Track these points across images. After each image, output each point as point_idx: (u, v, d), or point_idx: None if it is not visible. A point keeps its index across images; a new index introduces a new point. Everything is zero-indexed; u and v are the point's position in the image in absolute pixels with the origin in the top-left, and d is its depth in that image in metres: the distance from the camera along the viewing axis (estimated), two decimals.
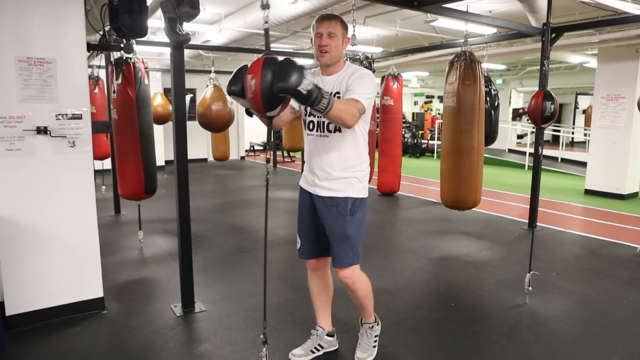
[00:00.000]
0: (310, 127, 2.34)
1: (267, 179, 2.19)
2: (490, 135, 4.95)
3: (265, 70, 1.80)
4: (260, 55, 1.95)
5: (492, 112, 4.98)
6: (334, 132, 2.27)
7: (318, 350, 2.64)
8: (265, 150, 14.23)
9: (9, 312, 2.88)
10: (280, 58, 1.88)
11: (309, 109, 2.28)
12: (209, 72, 7.04)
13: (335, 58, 2.25)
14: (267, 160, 2.15)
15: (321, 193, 2.35)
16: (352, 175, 2.31)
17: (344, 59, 2.37)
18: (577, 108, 17.77)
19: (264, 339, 2.10)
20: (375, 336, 2.62)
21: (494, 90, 5.13)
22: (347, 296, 3.41)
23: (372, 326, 2.61)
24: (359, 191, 2.33)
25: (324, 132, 2.29)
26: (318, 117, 2.27)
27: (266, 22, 1.97)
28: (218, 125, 6.82)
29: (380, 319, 2.66)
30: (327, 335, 2.66)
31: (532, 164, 6.14)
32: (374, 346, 2.61)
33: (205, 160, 12.25)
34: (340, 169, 2.29)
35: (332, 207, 2.32)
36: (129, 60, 3.94)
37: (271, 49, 2.87)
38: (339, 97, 2.20)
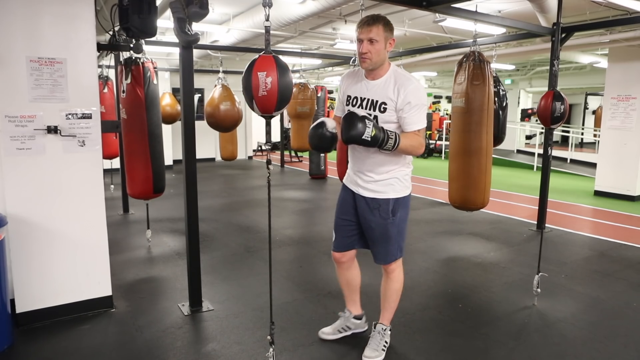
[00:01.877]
0: None
1: (269, 180, 2.21)
2: (498, 135, 4.93)
3: (281, 69, 1.90)
4: (262, 53, 1.96)
5: (500, 112, 4.95)
6: None
7: (345, 330, 2.79)
8: (262, 151, 14.24)
9: (19, 309, 2.91)
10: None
11: None
12: (218, 72, 7.06)
13: (377, 63, 2.26)
14: (268, 162, 2.16)
15: (364, 194, 2.44)
16: (393, 176, 2.39)
17: (389, 61, 2.37)
18: (587, 108, 17.61)
19: (270, 340, 2.10)
20: (386, 341, 2.61)
21: (502, 90, 5.10)
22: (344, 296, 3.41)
23: (386, 329, 2.62)
24: (399, 191, 2.41)
25: None
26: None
27: (267, 20, 1.99)
28: (226, 125, 6.84)
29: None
30: (355, 318, 2.78)
31: (541, 165, 6.09)
32: (384, 349, 2.59)
33: (213, 160, 12.29)
34: (381, 172, 2.38)
35: (374, 209, 2.40)
36: (138, 60, 3.96)
37: (274, 49, 2.88)
38: (385, 108, 2.26)
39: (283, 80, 1.88)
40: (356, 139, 2.07)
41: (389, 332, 2.65)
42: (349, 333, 2.80)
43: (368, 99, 2.33)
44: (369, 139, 2.05)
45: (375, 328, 2.64)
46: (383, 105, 2.27)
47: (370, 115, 2.27)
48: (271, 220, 2.21)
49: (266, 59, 1.89)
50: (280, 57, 1.96)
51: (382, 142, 2.09)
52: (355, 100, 2.38)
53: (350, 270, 2.72)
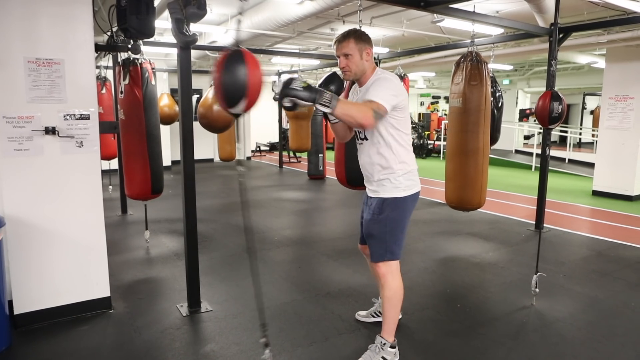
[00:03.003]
0: (355, 135, 2.57)
1: (241, 182, 2.25)
2: (493, 135, 4.95)
3: (226, 65, 1.77)
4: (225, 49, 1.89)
5: (496, 112, 4.98)
6: (364, 139, 2.47)
7: (378, 315, 2.96)
8: (261, 152, 14.23)
9: (17, 310, 2.90)
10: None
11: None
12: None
13: (358, 73, 2.41)
14: (239, 163, 2.12)
15: (368, 194, 2.59)
16: (385, 177, 2.44)
17: (375, 66, 2.49)
18: (585, 109, 17.64)
19: (266, 341, 2.06)
20: (383, 357, 2.48)
21: (499, 91, 5.12)
22: (353, 296, 3.42)
23: (385, 343, 2.49)
24: (389, 191, 2.44)
25: (358, 139, 2.53)
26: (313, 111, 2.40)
27: (240, 14, 1.95)
28: (219, 125, 6.79)
29: None
30: None
31: (539, 165, 6.10)
32: None
33: (211, 160, 12.29)
34: (375, 171, 2.47)
35: (369, 206, 2.55)
36: (136, 60, 3.96)
37: (273, 49, 2.88)
38: (321, 89, 2.20)
39: (224, 76, 1.78)
40: (288, 93, 2.01)
41: (391, 350, 2.50)
42: (381, 319, 2.68)
43: None
44: (299, 89, 2.01)
45: (376, 340, 2.54)
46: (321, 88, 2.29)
47: None
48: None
49: (221, 56, 1.81)
50: (253, 53, 1.84)
51: (314, 98, 2.02)
52: None
53: None
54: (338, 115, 2.11)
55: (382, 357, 2.48)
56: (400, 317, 2.90)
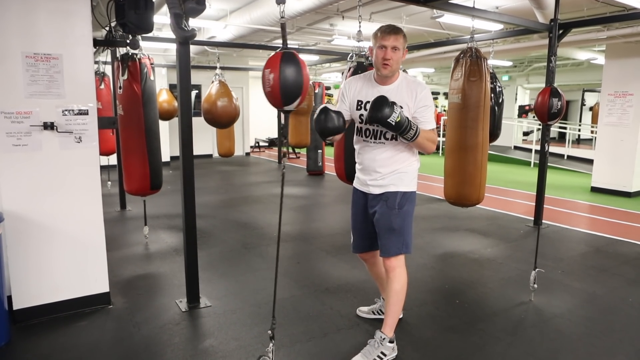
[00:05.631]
0: (367, 134, 2.50)
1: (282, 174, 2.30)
2: (494, 132, 4.93)
3: (283, 65, 1.97)
4: (278, 50, 2.05)
5: (496, 108, 4.96)
6: (391, 139, 2.43)
7: (379, 313, 2.96)
8: (260, 147, 14.22)
9: (16, 306, 2.90)
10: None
11: (363, 117, 2.45)
12: (215, 68, 7.04)
13: (395, 70, 2.40)
14: (283, 155, 2.23)
15: (374, 191, 2.51)
16: (402, 170, 2.47)
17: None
18: (584, 105, 17.63)
19: (271, 334, 2.10)
20: (383, 353, 2.49)
21: (499, 87, 5.10)
22: (352, 292, 3.43)
23: (385, 339, 2.51)
24: (407, 184, 2.49)
25: (380, 139, 2.46)
26: (375, 126, 2.42)
27: (282, 18, 2.10)
28: (223, 121, 6.82)
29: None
30: None
31: (538, 161, 6.11)
32: None
33: (210, 156, 12.28)
34: (392, 168, 2.46)
35: (382, 201, 2.48)
36: (135, 56, 3.95)
37: (271, 45, 2.91)
38: (408, 118, 2.30)
39: (283, 75, 1.96)
40: (382, 120, 2.18)
41: (389, 345, 2.51)
42: (382, 317, 2.71)
43: None
44: (394, 123, 2.17)
45: (376, 335, 2.54)
46: (407, 116, 2.35)
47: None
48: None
49: (275, 56, 2.00)
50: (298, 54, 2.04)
51: (405, 129, 2.21)
52: (368, 104, 2.39)
53: (377, 266, 2.79)
54: (415, 143, 2.33)
55: (381, 352, 2.49)
56: (401, 316, 2.96)
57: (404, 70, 2.61)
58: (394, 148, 2.44)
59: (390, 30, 2.34)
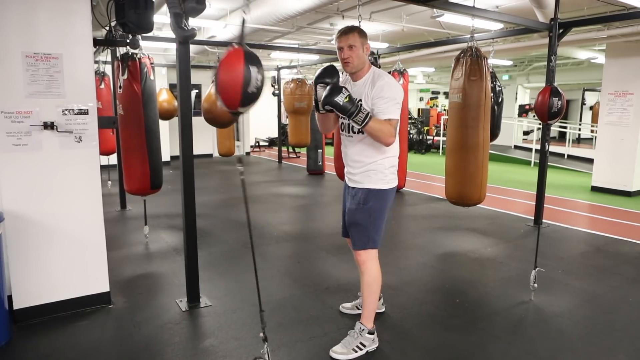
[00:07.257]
0: (342, 127, 2.63)
1: (242, 180, 2.38)
2: (493, 131, 4.93)
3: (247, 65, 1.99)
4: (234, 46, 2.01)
5: (496, 108, 4.96)
6: (357, 133, 2.52)
7: (359, 309, 2.93)
8: (260, 147, 14.20)
9: (16, 305, 2.91)
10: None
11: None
12: (215, 67, 7.04)
13: (358, 66, 2.50)
14: (239, 161, 2.29)
15: (350, 184, 2.66)
16: (371, 168, 2.53)
17: (370, 63, 2.62)
18: (585, 104, 17.62)
19: (263, 337, 2.09)
20: (362, 343, 2.56)
21: (499, 86, 5.11)
22: (352, 291, 3.43)
23: (364, 329, 2.57)
24: (376, 182, 2.53)
25: (349, 133, 2.57)
26: (342, 118, 2.52)
27: (244, 12, 2.11)
28: (224, 120, 6.82)
29: (384, 314, 2.66)
30: None
31: (538, 161, 6.10)
32: (355, 350, 2.54)
33: (210, 155, 12.27)
34: (361, 164, 2.55)
35: (351, 196, 2.62)
36: (135, 55, 3.95)
37: (272, 44, 2.91)
38: (360, 104, 2.38)
39: (221, 75, 2.04)
40: (331, 102, 2.28)
41: (369, 336, 2.58)
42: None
43: None
44: (341, 103, 2.27)
45: (355, 326, 2.61)
46: (360, 102, 2.42)
47: None
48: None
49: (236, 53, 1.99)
50: (252, 50, 1.99)
51: (353, 113, 2.27)
52: None
53: None
54: (366, 130, 2.35)
55: (360, 343, 2.57)
56: (383, 310, 3.05)
57: (378, 66, 2.69)
58: (362, 142, 2.51)
59: (343, 32, 2.48)
